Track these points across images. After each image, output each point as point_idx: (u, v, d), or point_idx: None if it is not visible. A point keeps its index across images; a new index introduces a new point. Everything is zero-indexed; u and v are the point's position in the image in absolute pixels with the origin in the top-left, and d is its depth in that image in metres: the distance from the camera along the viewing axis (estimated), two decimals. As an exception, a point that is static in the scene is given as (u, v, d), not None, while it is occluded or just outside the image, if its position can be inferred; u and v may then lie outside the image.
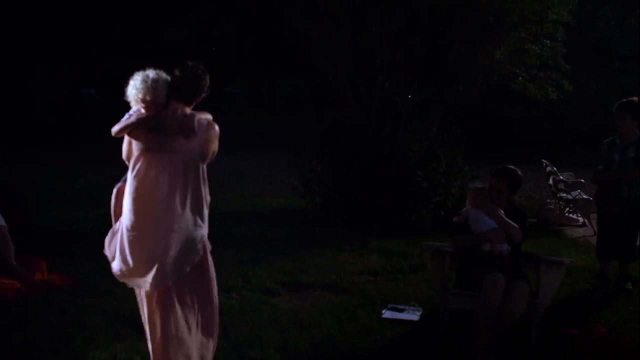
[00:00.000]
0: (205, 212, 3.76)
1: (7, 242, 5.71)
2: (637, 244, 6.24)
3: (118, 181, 3.85)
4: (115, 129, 3.63)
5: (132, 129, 3.60)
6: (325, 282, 5.95)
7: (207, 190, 3.75)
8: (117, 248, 3.66)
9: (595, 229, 7.40)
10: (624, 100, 6.06)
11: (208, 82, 3.78)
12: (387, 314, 5.12)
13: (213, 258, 4.32)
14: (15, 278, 5.47)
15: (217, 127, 3.75)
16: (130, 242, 3.59)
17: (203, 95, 3.79)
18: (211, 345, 3.86)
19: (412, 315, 5.11)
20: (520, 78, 9.33)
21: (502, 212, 4.76)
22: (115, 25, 22.39)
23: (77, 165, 13.45)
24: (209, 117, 3.74)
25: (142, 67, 3.76)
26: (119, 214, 3.73)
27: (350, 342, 4.57)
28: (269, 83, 35.00)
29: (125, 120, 3.62)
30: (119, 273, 3.68)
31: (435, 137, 8.72)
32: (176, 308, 3.67)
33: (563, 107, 15.75)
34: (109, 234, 3.76)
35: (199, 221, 3.70)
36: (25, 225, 6.63)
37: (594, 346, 4.33)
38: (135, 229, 3.58)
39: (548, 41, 9.43)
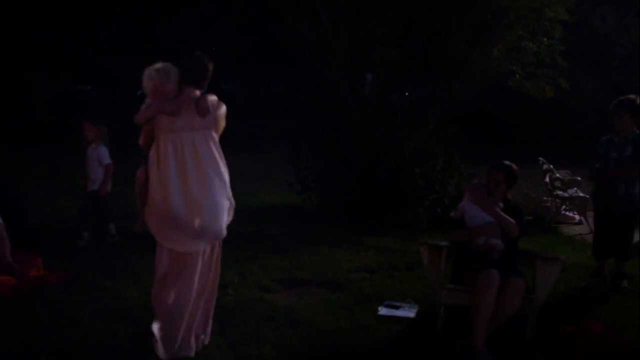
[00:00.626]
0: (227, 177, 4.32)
1: (3, 240, 5.70)
2: (633, 241, 6.25)
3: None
4: (137, 117, 4.16)
5: (153, 115, 4.11)
6: (322, 279, 5.95)
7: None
8: (156, 219, 4.16)
9: (592, 226, 7.40)
10: (622, 98, 6.05)
11: (212, 68, 4.28)
12: (383, 311, 5.12)
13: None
14: (10, 274, 5.47)
15: (224, 106, 4.34)
16: (168, 213, 4.08)
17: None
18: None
19: (408, 312, 5.11)
20: (517, 76, 9.32)
21: (501, 205, 4.79)
22: (114, 25, 22.37)
23: (74, 163, 13.40)
24: (216, 97, 4.25)
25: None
26: (142, 195, 4.25)
27: (346, 339, 4.57)
28: (266, 82, 35.01)
29: (146, 108, 4.15)
30: (163, 240, 4.18)
31: (431, 135, 8.71)
32: (200, 268, 4.23)
33: (560, 105, 15.79)
34: (145, 211, 4.23)
35: (227, 188, 4.29)
36: (21, 222, 6.62)
37: (589, 343, 4.33)
38: (171, 202, 4.06)
39: (545, 39, 9.42)
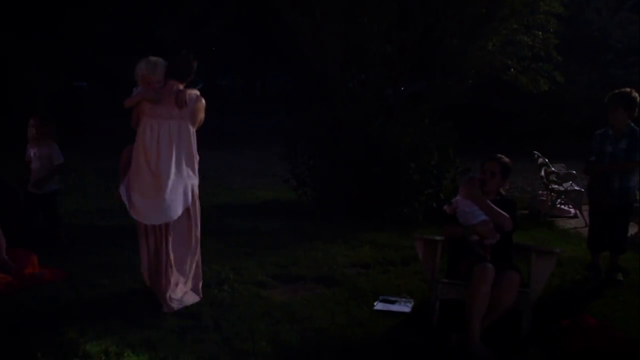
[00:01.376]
0: (196, 165, 4.96)
1: (-2, 237, 5.68)
2: (628, 235, 6.26)
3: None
4: (126, 101, 4.82)
5: (139, 101, 4.79)
6: (317, 275, 5.95)
7: (196, 149, 4.93)
8: (129, 193, 4.81)
9: (587, 220, 7.42)
10: (616, 91, 6.05)
11: (196, 66, 4.88)
12: (378, 306, 5.12)
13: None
14: (5, 272, 5.45)
15: (203, 100, 4.92)
16: (138, 188, 4.77)
17: (193, 78, 4.94)
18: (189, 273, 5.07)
19: (404, 307, 5.12)
20: (512, 70, 9.33)
21: (490, 200, 4.80)
22: (111, 24, 22.30)
23: (69, 160, 13.35)
24: (197, 92, 4.89)
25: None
26: (125, 167, 4.90)
27: (341, 334, 4.57)
28: (262, 77, 34.98)
29: (134, 94, 4.80)
30: (132, 212, 4.84)
31: (427, 130, 8.71)
32: (168, 239, 4.87)
33: (555, 98, 15.79)
34: (123, 183, 4.87)
35: (191, 172, 4.92)
36: (17, 219, 6.60)
37: (584, 337, 4.34)
38: (142, 179, 4.76)
39: (540, 32, 9.44)
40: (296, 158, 9.19)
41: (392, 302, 5.19)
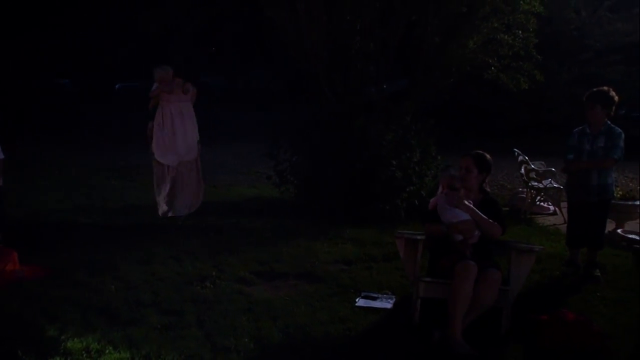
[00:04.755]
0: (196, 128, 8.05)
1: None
2: (606, 232, 6.34)
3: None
4: (151, 93, 7.79)
5: (159, 93, 7.73)
6: (300, 271, 5.98)
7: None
8: (160, 148, 7.78)
9: (566, 217, 7.50)
10: (594, 89, 6.12)
11: (192, 67, 7.20)
12: (360, 302, 5.16)
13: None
14: (-15, 270, 5.41)
15: (195, 88, 7.99)
16: (164, 144, 7.77)
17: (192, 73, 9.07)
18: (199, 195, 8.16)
19: (386, 303, 5.16)
20: (492, 68, 9.40)
21: (473, 197, 4.83)
22: (94, 22, 22.18)
23: (52, 156, 13.27)
24: (190, 83, 7.96)
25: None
26: (150, 136, 7.85)
27: (323, 330, 4.60)
28: (244, 74, 34.79)
29: (154, 89, 7.77)
30: (162, 159, 7.80)
31: (409, 127, 8.75)
32: (184, 174, 7.91)
33: (535, 97, 15.94)
34: (154, 143, 7.81)
35: (197, 134, 7.98)
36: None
37: (562, 331, 4.40)
38: (167, 139, 7.75)
39: (520, 31, 9.51)
40: (278, 155, 9.18)
41: (374, 299, 5.22)
